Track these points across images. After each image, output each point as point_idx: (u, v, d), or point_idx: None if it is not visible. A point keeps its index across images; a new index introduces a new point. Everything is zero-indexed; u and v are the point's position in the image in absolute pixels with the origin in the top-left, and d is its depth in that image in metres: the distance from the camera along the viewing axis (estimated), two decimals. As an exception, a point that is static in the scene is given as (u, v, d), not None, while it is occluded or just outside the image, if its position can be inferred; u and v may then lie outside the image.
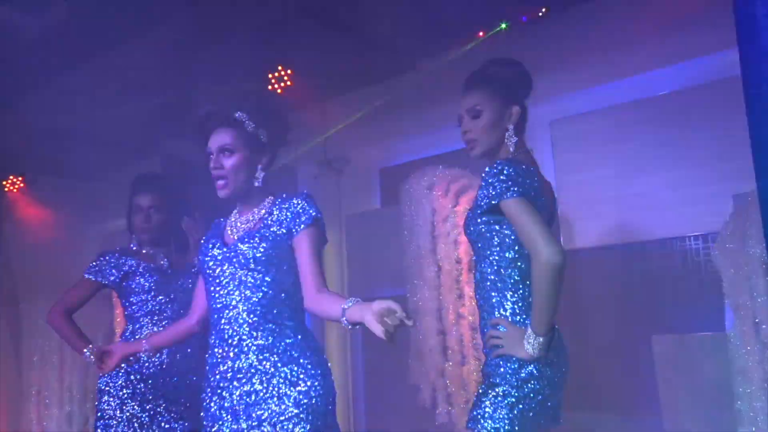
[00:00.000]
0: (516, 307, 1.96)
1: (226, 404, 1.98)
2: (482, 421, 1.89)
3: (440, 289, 4.21)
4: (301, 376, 1.95)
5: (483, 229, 2.01)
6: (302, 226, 2.01)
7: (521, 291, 1.96)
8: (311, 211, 2.03)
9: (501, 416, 1.87)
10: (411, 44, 5.01)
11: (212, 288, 2.07)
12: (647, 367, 3.66)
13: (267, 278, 2.01)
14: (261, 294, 2.00)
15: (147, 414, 2.84)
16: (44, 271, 6.20)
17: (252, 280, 2.00)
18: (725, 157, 3.87)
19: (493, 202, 1.89)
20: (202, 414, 2.08)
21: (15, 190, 6.92)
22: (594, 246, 4.39)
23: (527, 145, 2.13)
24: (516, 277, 1.97)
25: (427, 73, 5.20)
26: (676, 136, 4.12)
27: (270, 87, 5.01)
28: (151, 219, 2.98)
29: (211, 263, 2.08)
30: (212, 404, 2.02)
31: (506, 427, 1.86)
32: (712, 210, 3.85)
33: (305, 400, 1.93)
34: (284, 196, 2.11)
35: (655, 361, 3.58)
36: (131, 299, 2.97)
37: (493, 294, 2.00)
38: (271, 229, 2.03)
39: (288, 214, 2.04)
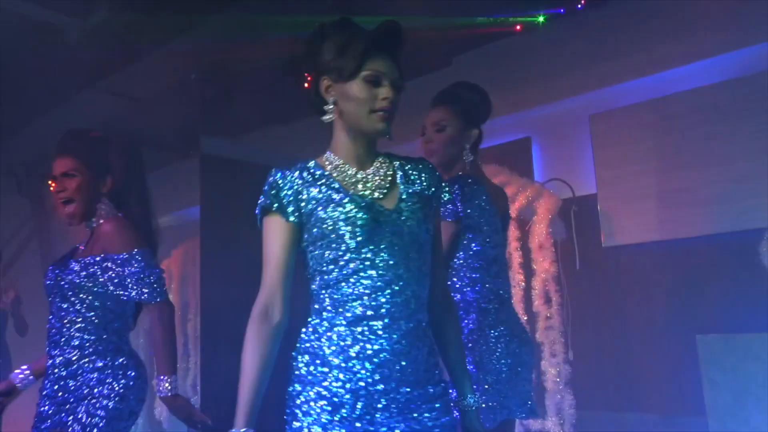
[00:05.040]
0: None
1: None
2: None
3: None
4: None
5: None
6: None
7: None
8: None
9: None
10: (447, 39, 4.96)
11: None
12: (692, 368, 3.56)
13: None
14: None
15: None
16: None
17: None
18: (774, 151, 3.74)
19: None
20: None
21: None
22: (636, 242, 4.29)
23: (479, 162, 2.37)
24: None
25: (464, 68, 5.15)
26: (720, 129, 4.00)
27: (306, 84, 5.00)
28: None
29: None
30: None
31: None
32: (760, 205, 3.73)
33: None
34: None
35: (700, 361, 3.47)
36: None
37: None
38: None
39: None
